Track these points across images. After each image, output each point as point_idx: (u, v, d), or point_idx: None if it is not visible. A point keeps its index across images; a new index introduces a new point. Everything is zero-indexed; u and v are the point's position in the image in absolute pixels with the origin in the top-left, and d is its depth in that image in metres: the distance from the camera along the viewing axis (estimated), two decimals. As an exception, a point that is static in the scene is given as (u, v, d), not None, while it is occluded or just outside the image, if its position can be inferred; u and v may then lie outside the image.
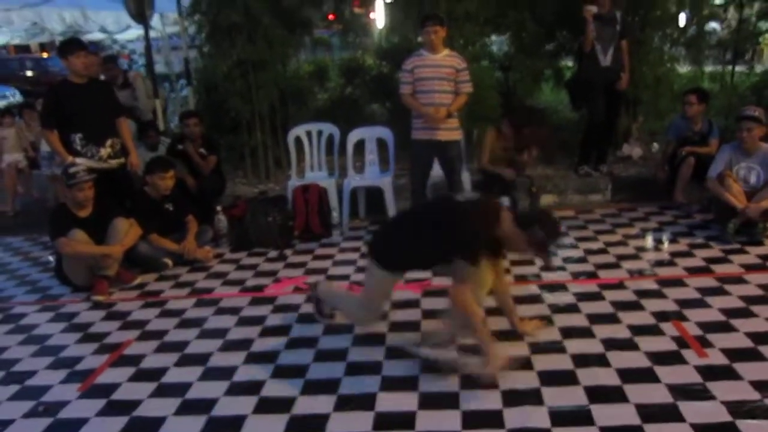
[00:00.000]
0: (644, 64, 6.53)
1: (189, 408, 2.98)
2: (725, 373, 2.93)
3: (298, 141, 6.00)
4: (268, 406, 2.95)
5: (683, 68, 7.69)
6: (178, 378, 3.26)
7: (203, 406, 2.98)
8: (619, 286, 4.04)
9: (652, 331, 3.39)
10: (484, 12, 6.28)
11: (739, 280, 4.01)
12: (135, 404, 3.03)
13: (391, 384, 3.04)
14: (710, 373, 2.94)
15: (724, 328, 3.38)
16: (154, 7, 7.84)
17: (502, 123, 5.53)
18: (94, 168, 4.65)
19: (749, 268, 4.21)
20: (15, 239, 6.14)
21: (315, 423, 2.78)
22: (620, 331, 3.41)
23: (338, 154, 6.12)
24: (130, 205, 4.95)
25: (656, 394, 2.80)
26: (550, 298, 3.90)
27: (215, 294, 4.40)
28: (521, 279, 4.23)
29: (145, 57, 8.76)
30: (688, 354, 3.12)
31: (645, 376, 2.95)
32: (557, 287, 4.05)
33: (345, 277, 4.54)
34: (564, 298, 3.90)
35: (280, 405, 2.93)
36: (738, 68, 7.89)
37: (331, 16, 8.67)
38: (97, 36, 13.15)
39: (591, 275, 4.25)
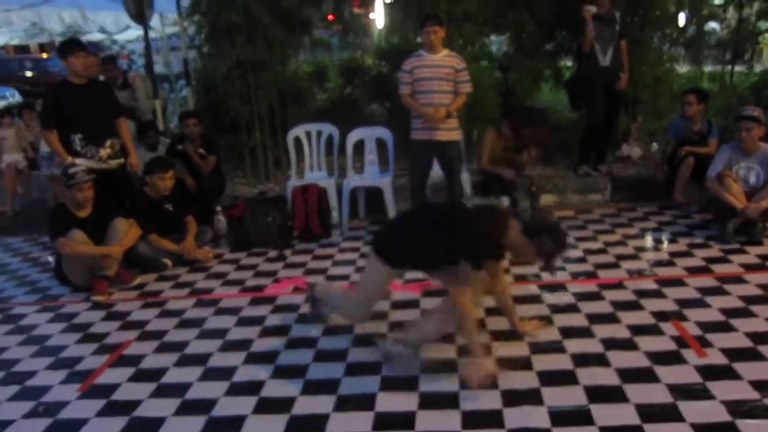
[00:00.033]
0: (643, 64, 6.53)
1: (189, 408, 2.98)
2: (725, 373, 2.93)
3: (297, 141, 6.01)
4: (267, 406, 2.95)
5: (682, 68, 7.69)
6: (177, 378, 3.26)
7: (203, 406, 2.98)
8: (619, 285, 4.05)
9: (652, 330, 3.39)
10: (484, 12, 6.27)
11: (738, 279, 4.02)
12: (135, 404, 3.03)
13: (391, 384, 3.04)
14: (710, 372, 2.94)
15: (724, 327, 3.38)
16: (154, 8, 7.84)
17: (502, 123, 5.54)
18: (94, 168, 4.65)
19: (749, 267, 4.22)
20: (14, 240, 6.13)
21: (315, 423, 2.78)
22: (620, 331, 3.41)
23: (338, 154, 6.12)
24: (130, 205, 4.95)
25: (656, 394, 2.80)
26: (550, 298, 3.90)
27: (215, 294, 4.40)
28: (521, 279, 4.23)
29: (144, 57, 8.76)
30: (687, 354, 3.12)
31: (645, 375, 2.96)
32: (557, 287, 4.05)
33: (344, 277, 4.54)
34: (563, 298, 3.90)
35: (280, 405, 2.93)
36: (737, 68, 7.88)
37: (330, 17, 8.67)
38: (96, 36, 13.15)
39: (590, 275, 4.26)
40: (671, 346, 3.21)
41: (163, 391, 3.15)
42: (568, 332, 3.43)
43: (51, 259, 5.19)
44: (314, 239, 5.41)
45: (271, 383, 3.15)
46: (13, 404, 3.13)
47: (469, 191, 5.48)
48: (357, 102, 7.97)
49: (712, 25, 8.21)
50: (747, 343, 3.20)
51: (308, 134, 6.02)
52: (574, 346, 3.28)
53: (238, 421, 2.84)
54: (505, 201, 5.37)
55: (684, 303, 3.70)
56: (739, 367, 2.97)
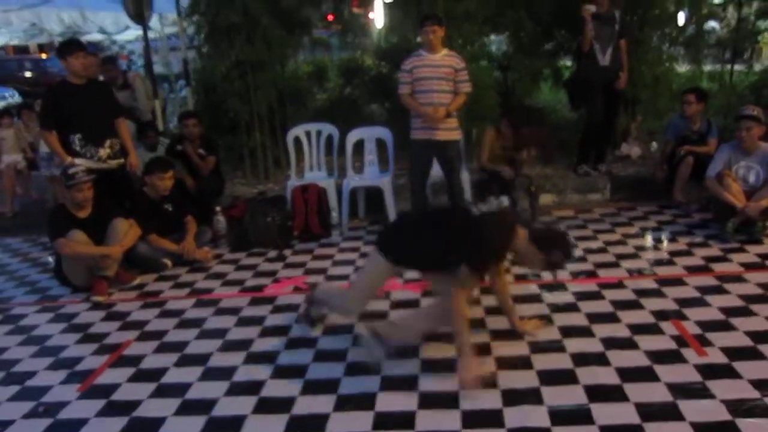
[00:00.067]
0: (643, 64, 6.53)
1: (189, 408, 2.98)
2: (725, 372, 2.93)
3: (297, 141, 6.00)
4: (267, 406, 2.95)
5: (682, 67, 7.69)
6: (177, 378, 3.26)
7: (203, 406, 2.98)
8: (619, 285, 4.05)
9: (652, 330, 3.39)
10: (483, 11, 6.28)
11: (738, 278, 4.02)
12: (135, 405, 3.03)
13: (391, 384, 3.04)
14: (710, 371, 2.94)
15: (724, 326, 3.38)
16: (153, 8, 7.83)
17: (501, 122, 5.54)
18: (93, 169, 4.65)
19: (748, 266, 4.22)
20: (14, 240, 6.14)
21: (315, 423, 2.78)
22: (620, 330, 3.41)
23: (337, 154, 6.12)
24: (130, 205, 4.94)
25: (656, 393, 2.80)
26: (550, 297, 3.90)
27: (215, 294, 4.40)
28: (521, 278, 4.23)
29: (144, 58, 8.76)
30: (687, 353, 3.12)
31: (645, 375, 2.96)
32: (557, 286, 4.05)
33: (344, 277, 4.53)
34: (563, 297, 3.90)
35: (280, 405, 2.93)
36: (737, 67, 7.88)
37: (330, 17, 8.67)
38: (95, 37, 13.15)
39: (590, 274, 4.25)
40: (671, 345, 3.21)
41: (163, 391, 3.15)
42: (568, 331, 3.43)
43: (51, 259, 5.19)
44: (314, 239, 5.41)
45: (271, 383, 3.15)
46: (13, 404, 3.13)
47: (469, 191, 5.48)
48: (356, 102, 7.97)
49: (712, 24, 8.21)
50: (747, 342, 3.20)
51: (308, 134, 6.02)
52: (574, 345, 3.28)
53: (238, 421, 2.84)
54: (505, 200, 5.37)
55: (684, 302, 3.70)
56: (739, 366, 2.97)
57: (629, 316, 3.56)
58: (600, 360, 3.12)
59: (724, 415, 2.62)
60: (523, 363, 3.14)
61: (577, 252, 4.69)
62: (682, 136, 5.62)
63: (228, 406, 2.97)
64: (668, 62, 6.91)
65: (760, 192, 4.65)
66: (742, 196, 4.69)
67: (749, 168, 4.81)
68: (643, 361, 3.08)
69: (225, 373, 3.27)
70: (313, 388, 3.07)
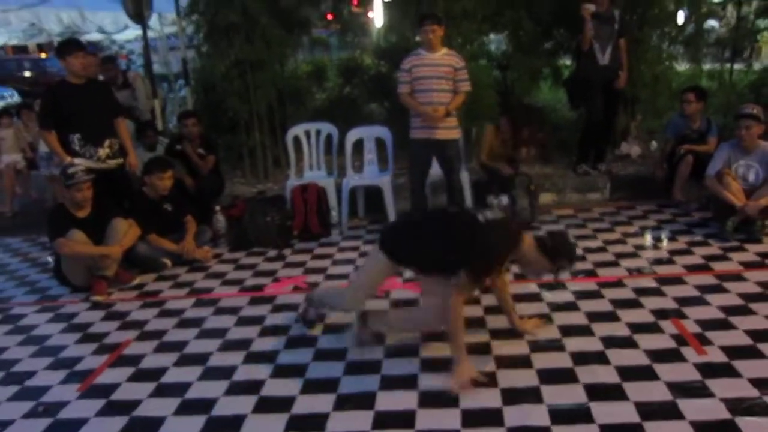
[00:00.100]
0: (642, 63, 6.53)
1: (188, 408, 2.98)
2: (724, 371, 2.93)
3: (296, 140, 6.00)
4: (267, 405, 2.95)
5: (681, 66, 7.70)
6: (177, 378, 3.26)
7: (203, 405, 2.98)
8: (618, 284, 4.05)
9: (651, 328, 3.39)
10: (482, 11, 6.28)
11: (738, 277, 4.02)
12: (134, 404, 3.03)
13: (391, 383, 3.04)
14: (709, 370, 2.94)
15: (723, 325, 3.38)
16: (152, 8, 7.83)
17: (501, 120, 5.56)
18: (93, 168, 4.64)
19: (748, 265, 4.22)
20: (14, 240, 6.13)
21: (315, 422, 2.78)
22: (619, 329, 3.41)
23: (337, 153, 6.12)
24: (129, 205, 4.94)
25: (655, 392, 2.80)
26: (549, 296, 3.90)
27: (214, 294, 4.40)
28: (520, 277, 4.23)
29: (143, 57, 8.75)
30: (687, 352, 3.12)
31: (644, 373, 2.96)
32: (556, 285, 4.05)
33: (344, 277, 4.53)
34: (563, 296, 3.90)
35: (280, 404, 2.93)
36: (736, 66, 7.89)
37: (329, 16, 8.67)
38: (95, 36, 13.13)
39: (590, 273, 4.25)
40: (671, 344, 3.21)
41: (162, 391, 3.14)
42: (568, 330, 3.43)
43: (50, 259, 5.19)
44: (313, 238, 5.41)
45: (270, 382, 3.14)
46: (12, 404, 3.13)
47: (469, 190, 5.48)
48: (356, 101, 7.97)
49: (711, 23, 8.21)
50: (746, 340, 3.20)
51: (307, 133, 6.02)
52: (574, 344, 3.28)
53: (238, 420, 2.84)
54: (504, 200, 5.38)
55: (683, 301, 3.70)
56: (738, 364, 2.97)
57: (629, 315, 3.56)
58: (600, 359, 3.11)
59: (723, 413, 2.62)
60: (523, 362, 3.14)
61: (577, 251, 4.69)
62: (681, 135, 5.62)
63: (228, 406, 2.96)
64: (668, 61, 6.90)
65: (760, 191, 4.66)
66: (741, 194, 4.69)
67: (749, 167, 4.81)
68: (643, 360, 3.07)
69: (225, 372, 3.27)
70: (312, 387, 3.07)
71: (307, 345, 3.50)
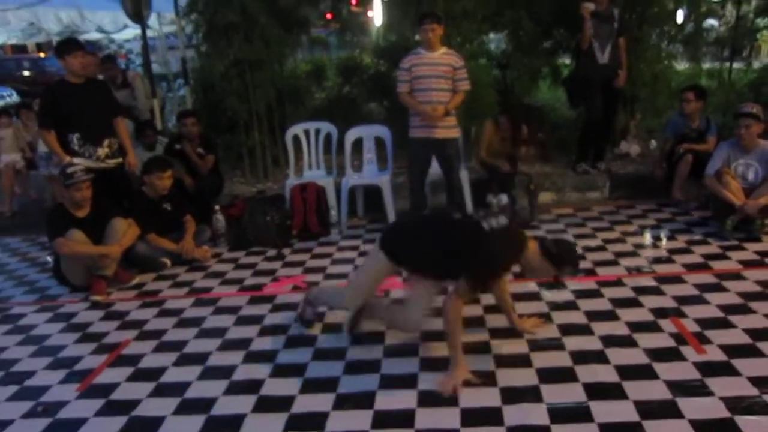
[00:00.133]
0: (642, 62, 6.53)
1: (188, 407, 2.97)
2: (724, 370, 2.93)
3: (296, 140, 6.00)
4: (267, 405, 2.94)
5: (681, 65, 7.70)
6: (176, 377, 3.26)
7: (202, 405, 2.97)
8: (618, 283, 4.05)
9: (651, 327, 3.39)
10: (482, 10, 6.28)
11: (737, 276, 4.02)
12: (134, 404, 3.03)
13: (390, 382, 3.04)
14: (709, 369, 2.94)
15: (723, 324, 3.38)
16: (151, 7, 7.82)
17: (501, 118, 5.55)
18: (92, 168, 4.64)
19: (747, 264, 4.22)
20: (13, 240, 6.13)
21: (314, 421, 2.78)
22: (619, 328, 3.41)
23: (336, 152, 6.11)
24: (128, 205, 4.93)
25: (655, 391, 2.80)
26: (549, 295, 3.90)
27: (213, 293, 4.40)
28: (520, 276, 4.22)
29: (142, 57, 8.74)
30: (686, 350, 3.12)
31: (643, 372, 2.96)
32: (556, 284, 4.03)
33: (343, 276, 4.53)
34: (562, 295, 3.89)
35: (279, 404, 2.93)
36: (736, 65, 7.88)
37: (328, 15, 8.66)
38: (94, 36, 13.13)
39: (589, 272, 4.25)
40: (670, 342, 3.21)
41: (162, 391, 3.14)
42: (567, 329, 3.43)
43: (49, 258, 5.18)
44: (313, 238, 5.41)
45: (270, 382, 3.14)
46: (12, 404, 3.13)
47: (468, 189, 5.48)
48: (355, 100, 7.96)
49: (711, 22, 8.21)
50: (746, 339, 3.20)
51: (307, 133, 6.02)
52: (573, 343, 3.28)
53: (238, 419, 2.84)
54: (504, 199, 5.38)
55: (683, 300, 3.70)
56: (737, 363, 2.97)
57: (628, 314, 3.57)
58: (599, 358, 3.12)
59: (723, 412, 2.62)
60: (523, 361, 3.14)
61: (576, 250, 4.69)
62: (681, 134, 5.62)
63: (227, 405, 2.96)
64: (667, 60, 6.90)
65: (759, 190, 4.66)
66: (741, 193, 4.69)
67: (748, 165, 4.81)
68: (642, 358, 3.08)
69: (224, 372, 3.27)
70: (312, 386, 3.07)
71: (306, 344, 3.50)
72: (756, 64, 8.31)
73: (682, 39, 7.16)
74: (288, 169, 6.14)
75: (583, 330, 3.43)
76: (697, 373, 2.91)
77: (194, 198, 5.56)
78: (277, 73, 6.82)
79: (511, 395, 2.85)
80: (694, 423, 2.56)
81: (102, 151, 4.81)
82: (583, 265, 4.38)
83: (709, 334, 3.27)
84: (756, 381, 2.81)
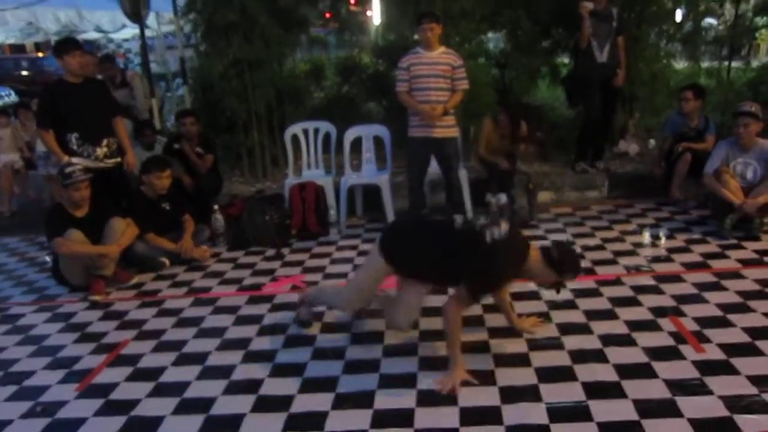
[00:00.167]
0: (640, 61, 6.53)
1: (187, 407, 2.97)
2: (723, 368, 2.94)
3: (294, 139, 6.00)
4: (266, 404, 2.94)
5: (679, 64, 7.70)
6: (175, 377, 3.25)
7: (201, 405, 2.97)
8: (617, 282, 4.05)
9: (650, 326, 3.40)
10: (480, 9, 6.27)
11: (736, 275, 4.02)
12: (133, 404, 3.02)
13: (389, 382, 3.04)
14: (708, 368, 2.94)
15: (722, 323, 3.38)
16: (150, 6, 7.81)
17: (499, 114, 5.55)
18: (91, 168, 4.63)
19: (746, 263, 4.22)
20: (11, 240, 6.12)
21: (313, 421, 2.78)
22: (618, 327, 3.41)
23: (335, 152, 6.11)
24: (127, 204, 4.93)
25: (654, 390, 2.80)
26: (548, 294, 3.89)
27: (212, 293, 4.40)
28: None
29: (141, 56, 8.73)
30: (685, 349, 3.13)
31: (643, 371, 2.96)
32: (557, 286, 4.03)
33: (342, 275, 4.53)
34: (561, 294, 3.88)
35: (278, 403, 2.93)
36: (734, 64, 7.89)
37: (327, 15, 8.65)
38: (92, 35, 13.11)
39: (588, 271, 4.25)
40: (669, 341, 3.22)
41: (161, 391, 3.14)
42: (566, 329, 3.43)
43: (48, 258, 5.18)
44: (312, 237, 5.41)
45: (269, 381, 3.14)
46: (10, 404, 3.12)
47: (467, 188, 5.48)
48: (354, 100, 7.96)
49: (709, 20, 8.21)
50: (745, 338, 3.20)
51: (305, 132, 6.02)
52: (572, 342, 3.28)
53: (237, 419, 2.84)
54: (503, 198, 5.37)
55: (682, 299, 3.70)
56: (736, 362, 2.97)
57: (627, 313, 3.57)
58: (598, 357, 3.12)
59: (722, 411, 2.62)
60: (522, 360, 3.14)
61: (575, 249, 4.70)
62: (679, 132, 5.63)
63: (226, 405, 2.96)
64: (666, 59, 6.91)
65: (758, 188, 4.66)
66: (739, 192, 4.70)
67: (747, 164, 4.82)
68: (641, 357, 3.08)
69: (223, 371, 3.27)
70: (311, 386, 3.07)
71: (305, 344, 3.50)
72: (755, 63, 8.33)
73: (680, 38, 7.17)
74: (287, 169, 6.13)
75: (582, 329, 3.43)
76: (696, 372, 2.91)
77: (193, 197, 5.55)
78: (276, 72, 6.82)
79: (510, 394, 2.85)
80: (693, 422, 2.56)
81: (101, 151, 4.81)
82: (582, 264, 4.39)
83: (708, 332, 3.27)
84: (755, 380, 2.82)
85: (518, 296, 3.80)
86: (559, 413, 2.69)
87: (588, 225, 5.29)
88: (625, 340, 3.26)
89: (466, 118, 6.00)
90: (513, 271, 3.02)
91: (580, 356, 3.13)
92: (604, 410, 2.68)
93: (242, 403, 2.95)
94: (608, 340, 3.27)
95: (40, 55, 19.09)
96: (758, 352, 3.06)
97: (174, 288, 4.56)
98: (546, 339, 3.34)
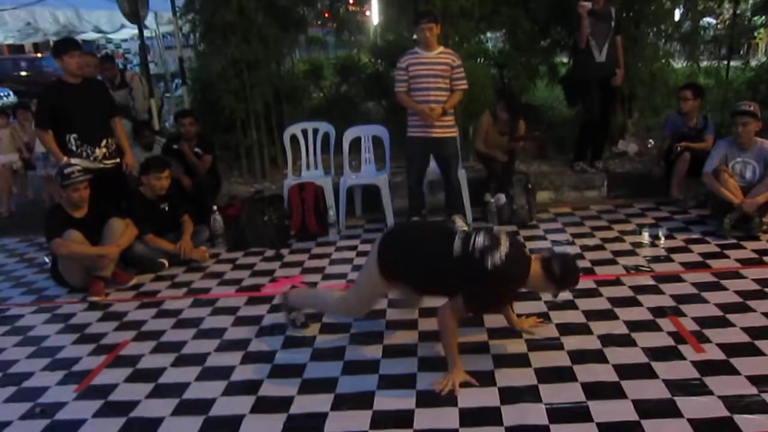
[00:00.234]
0: (639, 60, 6.53)
1: (186, 408, 2.97)
2: (722, 368, 2.93)
3: (293, 139, 5.99)
4: (265, 405, 2.94)
5: (678, 64, 7.70)
6: (175, 378, 3.25)
7: (201, 406, 2.97)
8: (616, 282, 4.05)
9: (649, 326, 3.39)
10: (479, 9, 6.27)
11: (735, 275, 4.02)
12: (132, 405, 3.02)
13: (389, 382, 3.04)
14: (707, 368, 2.94)
15: (721, 323, 3.38)
16: (148, 7, 7.81)
17: (497, 106, 5.56)
18: (90, 168, 4.63)
19: (745, 262, 4.22)
20: (10, 240, 6.11)
21: (312, 422, 2.77)
22: (617, 327, 3.41)
23: (334, 152, 6.11)
24: (126, 205, 4.93)
25: (654, 390, 2.80)
26: (547, 294, 3.89)
27: (212, 294, 4.39)
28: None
29: (139, 56, 8.72)
30: (685, 349, 3.12)
31: (642, 371, 2.96)
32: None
33: (342, 276, 4.53)
34: (561, 295, 3.87)
35: (278, 404, 2.92)
36: (733, 63, 7.89)
37: (326, 15, 8.65)
38: (91, 36, 13.07)
39: (588, 271, 4.25)
40: (669, 341, 3.21)
41: (160, 391, 3.13)
42: (566, 329, 3.43)
43: (47, 259, 5.16)
44: (311, 238, 5.40)
45: (268, 382, 3.14)
46: (9, 405, 3.11)
47: (466, 188, 5.48)
48: (353, 100, 7.97)
49: (708, 20, 8.21)
50: (744, 338, 3.20)
51: (304, 132, 6.01)
52: (572, 342, 3.28)
53: (236, 420, 2.83)
54: (502, 198, 5.38)
55: (681, 299, 3.70)
56: (736, 362, 2.97)
57: (626, 313, 3.57)
58: (598, 357, 3.11)
59: (722, 411, 2.62)
60: (521, 360, 3.14)
61: (575, 249, 4.70)
62: (679, 132, 5.63)
63: (225, 406, 2.96)
64: (664, 58, 6.90)
65: (757, 188, 4.66)
66: (739, 191, 4.70)
67: (746, 164, 4.82)
68: (641, 358, 3.07)
69: (222, 372, 3.26)
70: (310, 387, 3.06)
71: (304, 345, 3.49)
72: (753, 62, 8.31)
73: (679, 37, 7.16)
74: (286, 169, 6.13)
75: (582, 329, 3.43)
76: (695, 372, 2.91)
77: (192, 198, 5.55)
78: (275, 72, 6.82)
79: (510, 395, 2.85)
80: (693, 422, 2.56)
81: (100, 152, 4.80)
82: (582, 264, 4.39)
83: (708, 332, 3.27)
84: (755, 380, 2.81)
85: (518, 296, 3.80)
86: (558, 414, 2.68)
87: (587, 225, 5.29)
88: (625, 341, 3.26)
89: (465, 118, 6.00)
90: (513, 293, 3.04)
91: (580, 356, 3.12)
92: (604, 411, 2.68)
93: (241, 404, 2.95)
94: (608, 340, 3.27)
95: (39, 55, 19.09)
96: (758, 352, 3.06)
97: (173, 289, 4.55)
98: (545, 339, 3.33)
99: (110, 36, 14.18)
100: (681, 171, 5.44)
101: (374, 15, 8.95)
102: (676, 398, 2.72)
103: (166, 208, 5.05)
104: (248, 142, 6.67)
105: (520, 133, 5.62)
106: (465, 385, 2.92)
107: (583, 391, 2.83)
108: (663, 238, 4.84)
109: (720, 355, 3.04)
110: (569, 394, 2.82)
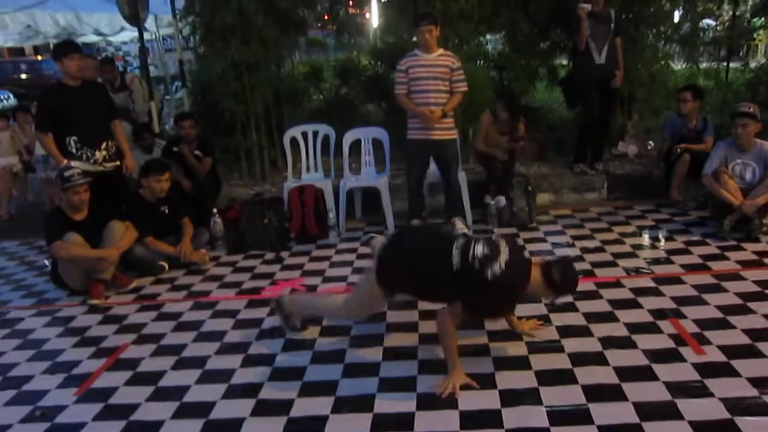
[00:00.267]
0: (639, 62, 6.53)
1: (186, 411, 2.97)
2: (723, 371, 2.93)
3: (293, 142, 5.99)
4: (265, 408, 2.94)
5: (678, 65, 7.70)
6: (175, 381, 3.25)
7: (201, 409, 2.96)
8: (616, 284, 4.04)
9: (650, 329, 3.39)
10: (479, 11, 6.27)
11: (735, 276, 4.02)
12: (132, 408, 3.02)
13: (389, 385, 3.03)
14: (708, 370, 2.94)
15: (722, 325, 3.38)
16: (148, 9, 7.81)
17: (497, 105, 5.56)
18: (90, 171, 4.63)
19: (745, 264, 4.22)
20: (10, 243, 6.10)
21: (313, 425, 2.77)
22: (618, 330, 3.41)
23: (334, 154, 6.11)
24: (126, 208, 4.92)
25: (654, 392, 2.80)
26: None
27: (212, 297, 4.39)
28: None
29: (139, 59, 8.73)
30: (685, 351, 3.12)
31: (643, 374, 2.95)
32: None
33: (342, 279, 4.52)
34: (561, 297, 3.88)
35: (278, 407, 2.92)
36: (732, 65, 7.89)
37: (325, 17, 8.66)
38: (91, 38, 13.08)
39: (588, 274, 4.25)
40: (669, 344, 3.21)
41: (160, 395, 3.13)
42: (566, 331, 3.43)
43: (47, 262, 5.16)
44: (311, 240, 5.40)
45: (268, 385, 3.13)
46: (9, 409, 3.11)
47: (466, 190, 5.48)
48: (353, 102, 7.97)
49: (707, 21, 8.22)
50: (745, 340, 3.20)
51: (304, 135, 6.01)
52: (572, 345, 3.28)
53: (236, 423, 2.83)
54: (502, 200, 5.38)
55: (681, 300, 3.70)
56: (737, 364, 2.97)
57: (627, 315, 3.56)
58: (598, 359, 3.11)
59: (722, 413, 2.62)
60: (522, 363, 3.14)
61: (575, 251, 4.70)
62: (678, 134, 5.63)
63: (226, 409, 2.96)
64: (664, 60, 6.91)
65: (757, 189, 4.66)
66: (738, 193, 4.70)
67: (745, 165, 4.82)
68: (642, 360, 3.07)
69: (223, 375, 3.26)
70: (311, 390, 3.06)
71: (304, 348, 3.49)
72: (753, 64, 8.32)
73: (678, 39, 7.17)
74: (286, 172, 6.13)
75: (582, 332, 3.42)
76: (696, 374, 2.91)
77: (192, 201, 5.54)
78: (275, 74, 6.82)
79: (511, 397, 2.84)
80: (693, 424, 2.56)
81: (100, 154, 4.80)
82: (582, 266, 4.39)
83: (709, 334, 3.27)
84: (755, 381, 2.81)
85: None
86: (559, 416, 2.68)
87: (587, 227, 5.28)
88: (625, 343, 3.26)
89: (465, 120, 6.00)
90: (513, 302, 3.06)
91: (580, 359, 3.12)
92: (605, 413, 2.67)
93: (242, 407, 2.95)
94: (608, 342, 3.27)
95: (39, 58, 19.10)
96: (759, 354, 3.05)
97: (173, 292, 4.55)
98: (546, 342, 3.33)
99: (110, 39, 14.20)
100: (681, 173, 5.44)
101: (374, 17, 8.96)
102: (676, 400, 2.72)
103: (166, 211, 5.05)
104: (248, 145, 6.67)
105: (520, 134, 5.62)
106: (465, 387, 2.92)
107: (583, 394, 2.83)
108: (663, 240, 4.84)
109: (721, 357, 3.04)
110: (570, 396, 2.82)
